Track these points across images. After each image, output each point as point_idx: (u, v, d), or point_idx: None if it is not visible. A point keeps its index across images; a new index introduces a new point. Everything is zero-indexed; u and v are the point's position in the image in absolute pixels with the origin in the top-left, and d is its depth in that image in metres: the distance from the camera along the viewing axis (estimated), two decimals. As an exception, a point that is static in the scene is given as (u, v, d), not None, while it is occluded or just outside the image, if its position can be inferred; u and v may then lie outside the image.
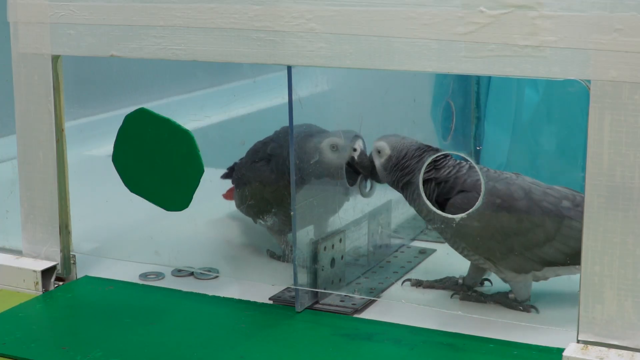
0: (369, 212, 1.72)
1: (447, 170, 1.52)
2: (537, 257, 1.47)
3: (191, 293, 1.62)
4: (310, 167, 1.58)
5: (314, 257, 1.54)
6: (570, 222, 1.44)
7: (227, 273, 1.70)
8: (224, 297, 1.60)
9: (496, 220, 1.47)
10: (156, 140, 1.56)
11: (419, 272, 1.70)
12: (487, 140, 2.17)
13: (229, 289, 1.63)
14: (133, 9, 1.51)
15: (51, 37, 1.57)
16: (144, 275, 1.69)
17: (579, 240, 1.27)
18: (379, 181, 1.64)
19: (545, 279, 1.51)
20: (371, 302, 1.55)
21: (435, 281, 1.61)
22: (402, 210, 1.85)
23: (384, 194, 1.74)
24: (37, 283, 1.62)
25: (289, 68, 1.45)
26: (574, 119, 2.04)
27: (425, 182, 1.52)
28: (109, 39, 1.54)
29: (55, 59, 1.59)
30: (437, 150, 1.57)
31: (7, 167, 1.74)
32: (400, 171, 1.56)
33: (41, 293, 1.62)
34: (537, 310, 1.50)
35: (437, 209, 1.50)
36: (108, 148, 1.64)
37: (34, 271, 1.62)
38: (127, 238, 1.89)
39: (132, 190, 1.61)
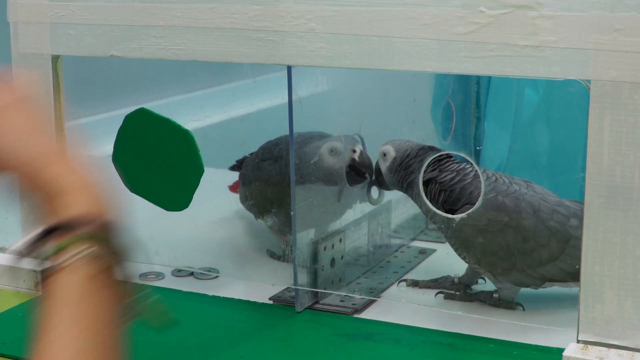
0: (368, 212, 1.73)
1: (452, 176, 1.51)
2: (538, 275, 1.47)
3: (191, 293, 1.62)
4: (310, 167, 1.58)
5: (314, 257, 1.54)
6: (576, 242, 1.38)
7: (227, 273, 1.70)
8: (224, 297, 1.60)
9: (502, 237, 1.46)
10: (156, 140, 1.56)
11: (419, 272, 1.70)
12: (487, 140, 2.17)
13: (229, 289, 1.63)
14: (133, 9, 1.51)
15: (51, 37, 1.57)
16: (144, 275, 1.69)
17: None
18: (387, 187, 1.64)
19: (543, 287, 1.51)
20: (371, 302, 1.55)
21: (432, 281, 1.61)
22: (402, 210, 1.85)
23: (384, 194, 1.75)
24: (37, 283, 1.62)
25: (289, 68, 1.45)
26: (574, 119, 2.04)
27: (427, 181, 1.52)
28: (109, 39, 1.54)
29: (55, 59, 1.59)
30: (438, 150, 1.56)
31: (7, 167, 1.74)
32: (404, 170, 1.56)
33: (41, 293, 1.61)
34: (523, 308, 1.50)
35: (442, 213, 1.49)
36: (108, 148, 1.64)
37: (34, 271, 1.62)
38: (127, 238, 1.89)
39: (132, 190, 1.61)
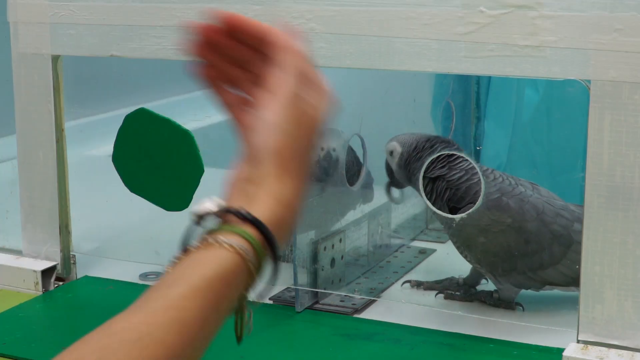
0: (369, 212, 1.72)
1: (460, 174, 1.49)
2: (539, 278, 1.46)
3: (191, 293, 1.61)
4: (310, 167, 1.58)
5: (314, 257, 1.54)
6: (579, 247, 1.35)
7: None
8: (224, 297, 1.59)
9: (503, 238, 1.46)
10: (156, 140, 1.56)
11: (419, 272, 1.70)
12: (487, 140, 2.17)
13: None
14: (133, 9, 1.51)
15: (51, 37, 1.57)
16: (144, 275, 1.69)
17: None
18: (402, 186, 1.62)
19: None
20: (371, 302, 1.55)
21: (436, 282, 1.60)
22: (402, 210, 1.85)
23: (384, 194, 1.74)
24: (37, 283, 1.62)
25: (289, 68, 1.45)
26: (574, 119, 2.04)
27: (435, 178, 1.50)
28: (109, 39, 1.54)
29: (55, 59, 1.59)
30: (447, 141, 1.54)
31: (7, 167, 1.74)
32: (414, 163, 1.53)
33: (41, 293, 1.62)
34: (522, 308, 1.50)
35: (447, 212, 1.48)
36: (108, 148, 1.64)
37: (34, 271, 1.62)
38: (127, 238, 1.89)
39: (132, 190, 1.61)
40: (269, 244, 0.82)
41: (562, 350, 1.27)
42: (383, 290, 1.62)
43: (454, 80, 2.09)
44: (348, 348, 1.39)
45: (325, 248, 1.56)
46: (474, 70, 1.29)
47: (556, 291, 1.50)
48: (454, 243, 1.51)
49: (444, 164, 1.50)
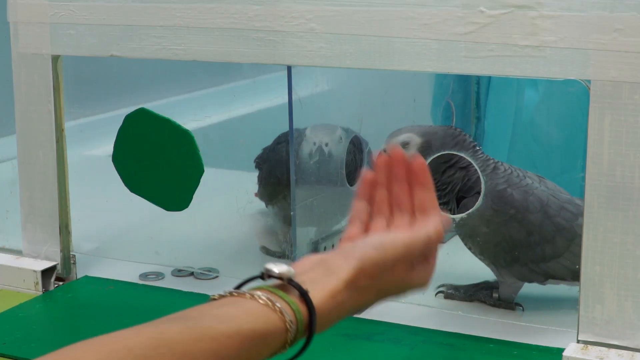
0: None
1: (480, 161, 1.46)
2: (541, 271, 1.46)
3: (191, 293, 1.62)
4: (310, 167, 1.58)
5: (314, 257, 1.53)
6: (582, 241, 1.34)
7: (227, 273, 1.70)
8: (224, 297, 1.59)
9: (506, 229, 1.45)
10: (156, 140, 1.56)
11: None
12: (487, 140, 2.17)
13: (229, 289, 1.63)
14: (133, 9, 1.51)
15: (51, 37, 1.57)
16: (144, 275, 1.69)
17: None
18: None
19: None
20: (371, 302, 1.55)
21: (470, 295, 1.54)
22: (402, 210, 1.85)
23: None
24: (37, 283, 1.62)
25: (289, 68, 1.45)
26: (574, 119, 2.04)
27: (450, 167, 1.47)
28: (109, 39, 1.54)
29: (55, 59, 1.59)
30: (460, 134, 1.50)
31: (7, 167, 1.74)
32: (451, 148, 1.47)
33: (41, 293, 1.62)
34: (522, 308, 1.50)
35: (454, 202, 1.48)
36: (108, 148, 1.64)
37: (34, 271, 1.62)
38: (127, 238, 1.89)
39: (132, 190, 1.61)
40: (309, 327, 0.92)
41: (562, 350, 1.27)
42: (383, 290, 1.61)
43: (454, 80, 2.09)
44: (348, 348, 1.39)
45: (325, 248, 1.56)
46: (474, 70, 1.29)
47: (555, 288, 1.50)
48: (459, 235, 1.51)
49: (470, 154, 1.48)
